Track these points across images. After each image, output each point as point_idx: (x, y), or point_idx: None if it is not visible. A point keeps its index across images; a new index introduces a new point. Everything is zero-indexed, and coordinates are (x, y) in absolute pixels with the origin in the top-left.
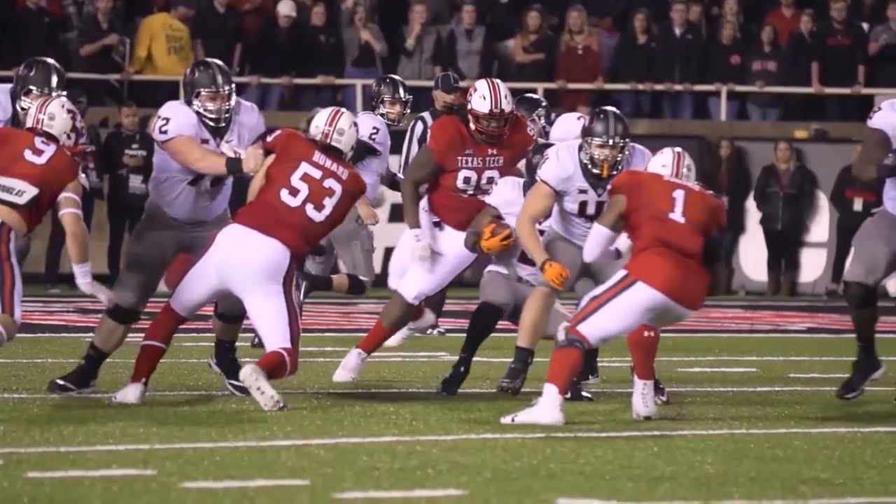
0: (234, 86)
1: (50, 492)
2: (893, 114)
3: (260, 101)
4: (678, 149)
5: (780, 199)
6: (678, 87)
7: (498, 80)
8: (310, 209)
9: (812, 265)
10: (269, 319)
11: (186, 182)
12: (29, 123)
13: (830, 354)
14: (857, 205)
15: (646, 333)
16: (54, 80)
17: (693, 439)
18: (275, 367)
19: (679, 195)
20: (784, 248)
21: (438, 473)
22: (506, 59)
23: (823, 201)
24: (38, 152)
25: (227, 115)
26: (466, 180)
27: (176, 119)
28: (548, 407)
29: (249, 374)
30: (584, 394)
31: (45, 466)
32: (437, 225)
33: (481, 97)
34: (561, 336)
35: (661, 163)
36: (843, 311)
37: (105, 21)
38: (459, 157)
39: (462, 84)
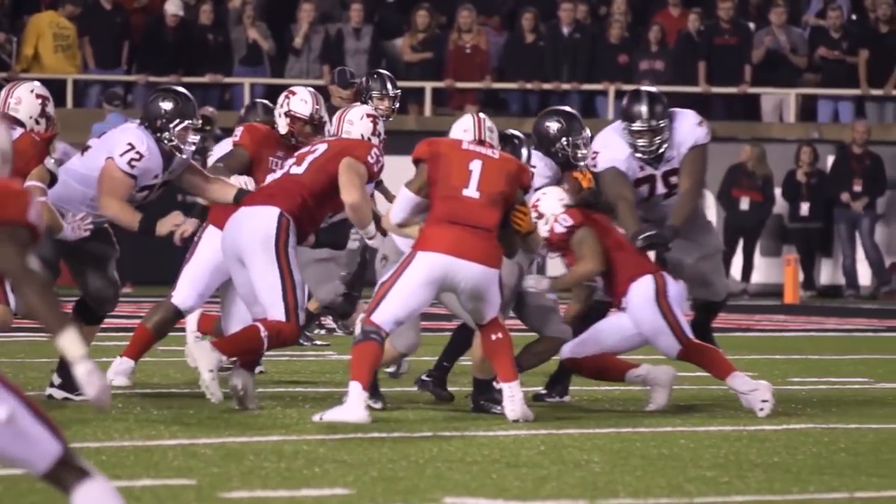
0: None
1: None
2: (611, 151)
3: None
4: (481, 113)
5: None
6: (566, 86)
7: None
8: (292, 169)
9: None
10: (264, 296)
11: (91, 214)
12: None
13: None
14: (744, 204)
15: (493, 337)
16: None
17: (580, 438)
18: (234, 341)
19: (476, 166)
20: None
21: (325, 472)
22: (394, 58)
23: (710, 200)
24: None
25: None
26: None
27: (150, 159)
28: (353, 405)
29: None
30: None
31: None
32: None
33: (302, 101)
34: (357, 328)
35: (463, 127)
36: (730, 310)
37: None
38: (270, 159)
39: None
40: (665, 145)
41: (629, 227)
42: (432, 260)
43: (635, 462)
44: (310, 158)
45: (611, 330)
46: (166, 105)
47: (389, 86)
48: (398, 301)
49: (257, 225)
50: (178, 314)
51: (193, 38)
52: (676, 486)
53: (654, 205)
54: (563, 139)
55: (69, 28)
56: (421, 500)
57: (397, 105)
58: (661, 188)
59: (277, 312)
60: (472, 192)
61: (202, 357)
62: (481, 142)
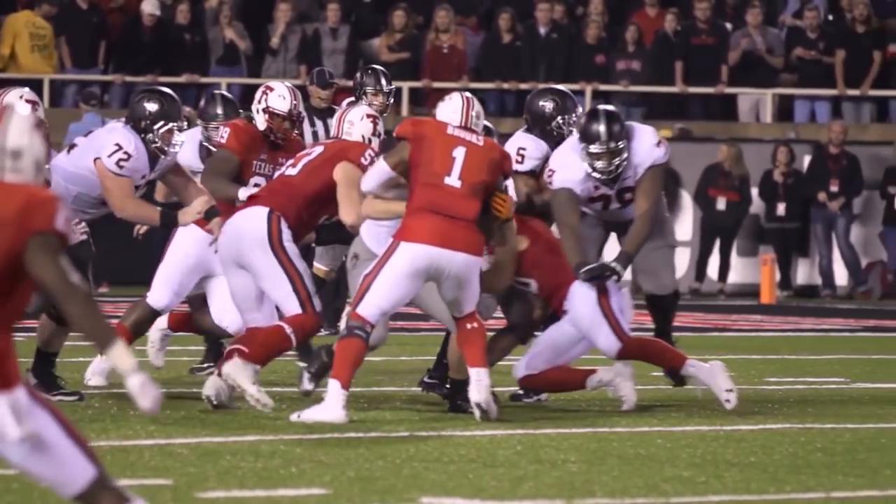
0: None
1: None
2: (567, 171)
3: (124, 100)
4: (468, 94)
5: None
6: (543, 87)
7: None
8: (288, 170)
9: (676, 264)
10: (275, 294)
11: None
12: None
13: (693, 353)
14: (721, 204)
15: (468, 326)
16: None
17: (556, 438)
18: (265, 348)
19: (459, 154)
20: None
21: (302, 472)
22: (371, 58)
23: (687, 200)
24: None
25: None
26: (257, 186)
27: (138, 159)
28: (331, 404)
29: (230, 372)
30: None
31: None
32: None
33: (280, 97)
34: (343, 323)
35: (452, 109)
36: (706, 310)
37: None
38: (255, 162)
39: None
40: (623, 165)
41: (571, 257)
42: (416, 251)
43: (612, 462)
44: (305, 160)
45: (560, 336)
46: (151, 106)
47: (384, 81)
48: (383, 292)
49: (249, 227)
50: (155, 314)
51: (170, 37)
52: (653, 485)
53: (610, 212)
54: (559, 118)
55: (45, 28)
56: (398, 499)
57: (391, 100)
58: (615, 204)
59: (293, 306)
60: (453, 180)
61: (239, 375)
62: (466, 127)
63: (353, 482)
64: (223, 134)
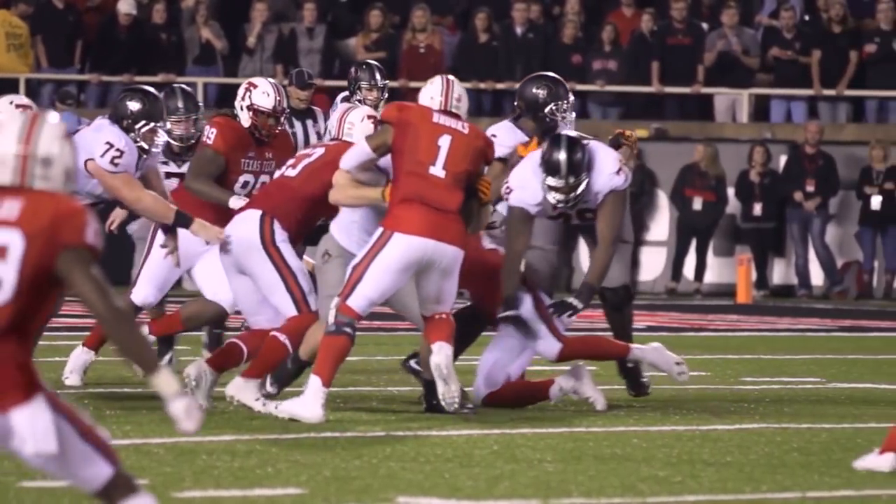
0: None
1: None
2: (525, 193)
3: (100, 100)
4: (450, 77)
5: None
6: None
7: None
8: (287, 171)
9: (652, 264)
10: (270, 297)
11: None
12: None
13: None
14: (697, 204)
15: (437, 317)
16: None
17: (533, 437)
18: (263, 363)
19: (445, 142)
20: None
21: (278, 472)
22: (347, 58)
23: (663, 200)
24: None
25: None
26: (246, 184)
27: (130, 154)
28: (310, 400)
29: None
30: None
31: None
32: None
33: (264, 93)
34: (331, 317)
35: (430, 94)
36: (682, 310)
37: None
38: (243, 160)
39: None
40: (582, 196)
41: (506, 285)
42: (410, 242)
43: (588, 462)
44: (305, 162)
45: (505, 351)
46: (133, 105)
47: (378, 76)
48: (373, 283)
49: (241, 231)
50: (137, 310)
51: (146, 37)
52: (629, 485)
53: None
54: (552, 104)
55: (21, 27)
56: (374, 499)
57: (386, 96)
58: (575, 220)
59: (287, 308)
60: (438, 170)
61: (241, 393)
62: (449, 111)
63: (330, 482)
64: (209, 134)
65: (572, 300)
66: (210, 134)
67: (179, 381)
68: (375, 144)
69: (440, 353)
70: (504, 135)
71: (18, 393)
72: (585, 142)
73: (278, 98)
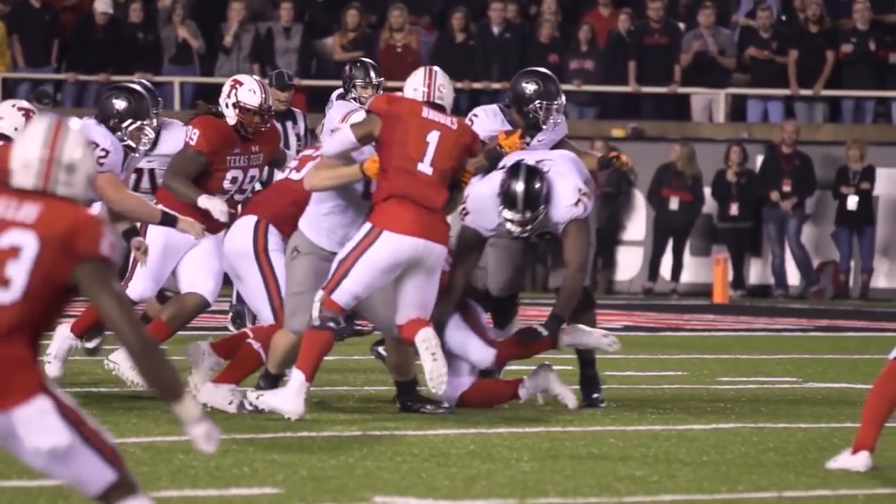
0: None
1: None
2: (481, 218)
3: (77, 99)
4: (435, 67)
5: (597, 198)
6: (496, 86)
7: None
8: (291, 174)
9: (628, 264)
10: (252, 302)
11: None
12: None
13: (646, 352)
14: (674, 203)
15: (415, 318)
16: None
17: (509, 437)
18: (238, 369)
19: (433, 138)
20: (600, 247)
21: (254, 472)
22: (324, 57)
23: (640, 200)
24: None
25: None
26: (234, 180)
27: (115, 154)
28: (292, 394)
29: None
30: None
31: None
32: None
33: (250, 91)
34: (315, 311)
35: (413, 86)
36: (659, 310)
37: None
38: (229, 157)
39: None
40: (538, 227)
41: (447, 302)
42: (401, 241)
43: (565, 461)
44: (310, 164)
45: (455, 343)
46: (119, 104)
47: (373, 74)
48: (360, 279)
49: (236, 238)
50: (134, 304)
51: (123, 36)
52: (606, 485)
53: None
54: (538, 101)
55: None
56: (351, 499)
57: (380, 93)
58: (535, 240)
59: (266, 315)
60: (425, 167)
61: (214, 398)
62: (434, 104)
63: (306, 481)
64: (191, 135)
65: (538, 328)
66: (193, 134)
67: (200, 407)
68: (360, 134)
69: (426, 331)
70: (486, 118)
71: (23, 392)
72: (546, 169)
73: (264, 95)
